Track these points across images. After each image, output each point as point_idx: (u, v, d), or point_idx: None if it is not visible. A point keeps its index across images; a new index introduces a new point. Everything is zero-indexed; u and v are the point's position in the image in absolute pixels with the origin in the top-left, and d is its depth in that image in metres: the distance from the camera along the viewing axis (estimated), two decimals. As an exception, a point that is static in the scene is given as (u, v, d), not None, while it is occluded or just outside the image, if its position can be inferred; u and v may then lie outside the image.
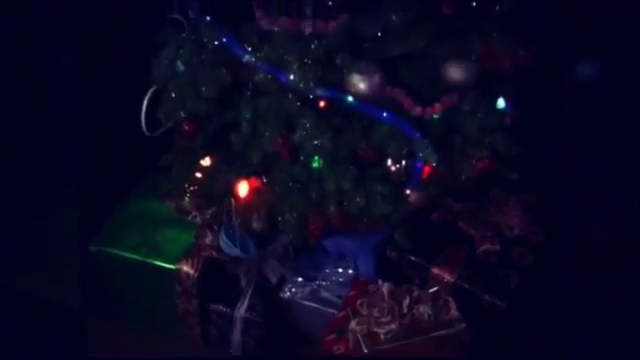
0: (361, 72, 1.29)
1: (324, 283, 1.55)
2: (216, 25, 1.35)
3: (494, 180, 1.58)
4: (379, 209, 1.41)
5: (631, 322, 1.36)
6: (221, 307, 1.56)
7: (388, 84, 1.33)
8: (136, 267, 1.56)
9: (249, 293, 1.54)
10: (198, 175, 1.55)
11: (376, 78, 1.30)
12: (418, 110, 1.36)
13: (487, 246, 1.55)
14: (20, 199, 1.63)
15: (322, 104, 1.38)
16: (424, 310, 1.36)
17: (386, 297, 1.39)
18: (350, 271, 1.56)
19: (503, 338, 1.48)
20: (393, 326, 1.33)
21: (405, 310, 1.36)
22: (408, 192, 1.46)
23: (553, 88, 1.53)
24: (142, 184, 1.75)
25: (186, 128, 1.46)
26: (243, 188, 1.47)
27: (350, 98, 1.33)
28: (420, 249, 1.54)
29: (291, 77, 1.31)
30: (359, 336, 1.34)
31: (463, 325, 1.34)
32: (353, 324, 1.38)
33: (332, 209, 1.43)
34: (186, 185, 1.58)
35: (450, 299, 1.40)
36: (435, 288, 1.43)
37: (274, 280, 1.55)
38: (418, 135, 1.36)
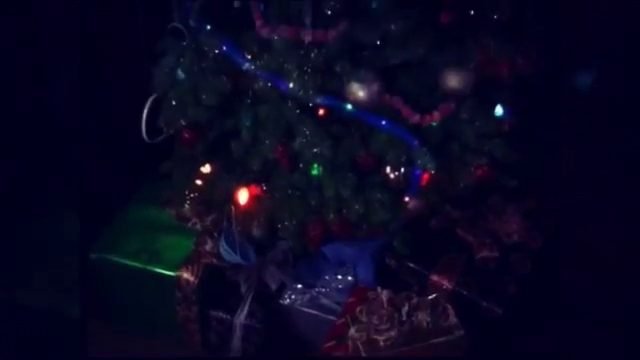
0: (360, 80, 1.30)
1: (323, 290, 1.55)
2: (216, 34, 1.36)
3: (492, 187, 1.58)
4: (378, 216, 1.42)
5: (631, 325, 1.36)
6: (221, 314, 1.56)
7: (387, 92, 1.34)
8: (136, 274, 1.56)
9: (249, 300, 1.54)
10: (198, 182, 1.55)
11: (375, 86, 1.31)
12: (417, 118, 1.36)
13: (485, 253, 1.55)
14: (20, 206, 1.64)
15: (321, 112, 1.38)
16: (423, 317, 1.36)
17: (385, 304, 1.39)
18: (349, 278, 1.57)
19: (501, 345, 1.49)
20: (392, 333, 1.34)
21: (404, 317, 1.37)
22: (407, 199, 1.46)
23: (551, 95, 1.55)
24: (142, 191, 1.75)
25: (186, 135, 1.47)
26: (243, 195, 1.48)
27: (349, 106, 1.34)
28: (419, 256, 1.55)
29: (291, 85, 1.31)
30: (358, 343, 1.35)
31: (462, 332, 1.35)
32: (352, 331, 1.38)
33: (331, 216, 1.43)
34: (186, 192, 1.59)
35: (449, 306, 1.40)
36: (434, 295, 1.44)
37: (274, 287, 1.56)
38: (417, 143, 1.37)
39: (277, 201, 1.47)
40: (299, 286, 1.56)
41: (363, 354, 1.33)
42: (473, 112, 1.42)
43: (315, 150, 1.36)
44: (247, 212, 1.50)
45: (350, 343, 1.37)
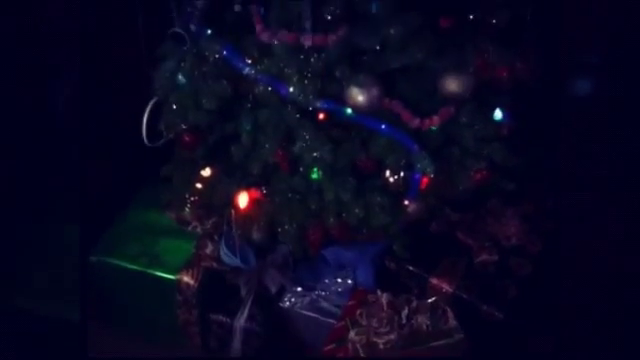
0: (360, 85, 1.30)
1: (323, 293, 1.55)
2: (217, 38, 1.36)
3: (491, 190, 1.59)
4: (378, 220, 1.42)
5: (630, 328, 1.37)
6: (221, 317, 1.56)
7: (387, 96, 1.34)
8: (136, 277, 1.57)
9: (249, 303, 1.54)
10: (198, 186, 1.56)
11: (375, 91, 1.31)
12: (416, 122, 1.37)
13: (485, 256, 1.55)
14: (20, 210, 1.64)
15: (321, 116, 1.39)
16: (422, 320, 1.37)
17: (385, 307, 1.40)
18: (349, 281, 1.57)
19: (501, 348, 1.49)
20: (392, 336, 1.34)
21: (404, 320, 1.37)
22: (406, 203, 1.47)
23: (550, 99, 1.55)
24: (142, 194, 1.76)
25: (187, 139, 1.47)
26: (243, 199, 1.48)
27: (349, 110, 1.35)
28: (419, 259, 1.55)
29: (291, 89, 1.32)
30: (358, 346, 1.35)
31: (461, 335, 1.35)
32: (352, 334, 1.38)
33: (331, 220, 1.44)
34: (187, 196, 1.59)
35: (448, 309, 1.41)
36: (433, 298, 1.45)
37: (274, 290, 1.56)
38: (416, 147, 1.38)
39: (277, 205, 1.47)
40: (299, 289, 1.56)
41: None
42: (472, 116, 1.42)
43: (315, 154, 1.37)
44: (247, 216, 1.51)
45: (350, 346, 1.37)
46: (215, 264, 1.58)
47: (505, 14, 1.38)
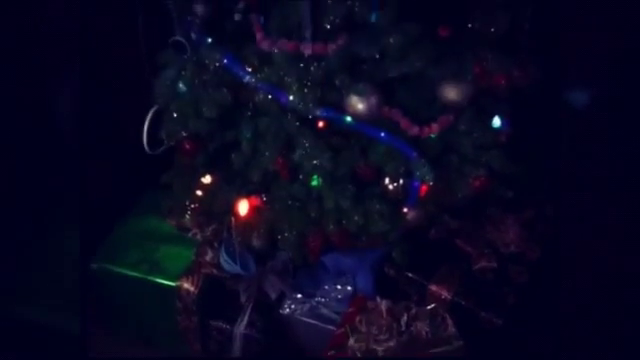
0: (359, 93, 1.31)
1: (323, 300, 1.56)
2: (217, 47, 1.37)
3: (490, 197, 1.60)
4: (377, 227, 1.43)
5: (631, 335, 1.37)
6: (221, 324, 1.57)
7: (386, 104, 1.35)
8: (137, 284, 1.57)
9: (249, 310, 1.55)
10: (199, 193, 1.56)
11: (374, 99, 1.32)
12: (415, 130, 1.38)
13: (484, 263, 1.56)
14: (19, 218, 1.64)
15: (321, 124, 1.40)
16: (422, 327, 1.37)
17: (384, 314, 1.41)
18: (349, 288, 1.57)
19: (500, 355, 1.49)
20: (391, 343, 1.35)
21: (403, 327, 1.38)
22: (406, 210, 1.47)
23: (549, 105, 1.56)
24: (142, 201, 1.76)
25: (187, 147, 1.48)
26: (243, 206, 1.49)
27: (349, 118, 1.35)
28: (418, 266, 1.55)
29: (291, 98, 1.33)
30: (358, 353, 1.36)
31: (460, 342, 1.36)
32: (352, 341, 1.39)
33: (331, 227, 1.44)
34: (187, 203, 1.60)
35: (447, 316, 1.41)
36: (433, 305, 1.45)
37: (273, 296, 1.56)
38: (415, 154, 1.38)
39: (277, 212, 1.48)
40: (299, 296, 1.56)
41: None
42: (471, 124, 1.43)
43: (315, 162, 1.37)
44: (247, 223, 1.51)
45: (349, 353, 1.38)
46: (215, 271, 1.58)
47: (504, 23, 1.39)
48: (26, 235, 1.62)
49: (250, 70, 1.36)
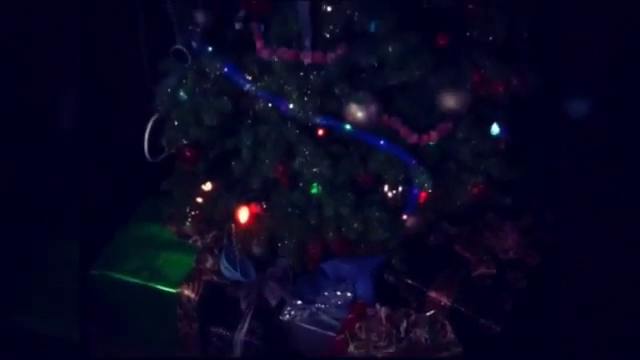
0: (359, 101, 1.32)
1: (323, 306, 1.56)
2: (218, 55, 1.38)
3: (489, 204, 1.60)
4: (377, 234, 1.43)
5: (630, 340, 1.37)
6: (221, 330, 1.58)
7: (385, 113, 1.36)
8: (137, 291, 1.58)
9: (249, 316, 1.55)
10: (199, 200, 1.57)
11: (373, 107, 1.33)
12: (414, 138, 1.38)
13: (483, 270, 1.57)
14: (19, 226, 1.64)
15: (321, 132, 1.41)
16: (421, 334, 1.38)
17: (384, 321, 1.41)
18: (349, 294, 1.58)
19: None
20: (391, 350, 1.35)
21: (402, 334, 1.38)
22: (405, 217, 1.48)
23: (547, 112, 1.56)
24: (143, 208, 1.77)
25: (188, 154, 1.49)
26: (243, 213, 1.50)
27: (348, 126, 1.36)
28: (417, 273, 1.56)
29: (291, 106, 1.33)
30: None
31: (459, 349, 1.36)
32: (351, 348, 1.39)
33: (331, 234, 1.45)
34: (187, 210, 1.60)
35: (447, 322, 1.42)
36: (432, 312, 1.46)
37: (274, 303, 1.57)
38: (414, 162, 1.39)
39: (277, 219, 1.49)
40: (299, 302, 1.57)
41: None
42: (469, 131, 1.44)
43: (315, 169, 1.38)
44: (247, 230, 1.52)
45: None
46: (215, 278, 1.59)
47: (502, 32, 1.40)
48: (26, 242, 1.62)
49: (250, 78, 1.37)
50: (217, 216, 1.56)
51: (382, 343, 1.37)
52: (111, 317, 1.67)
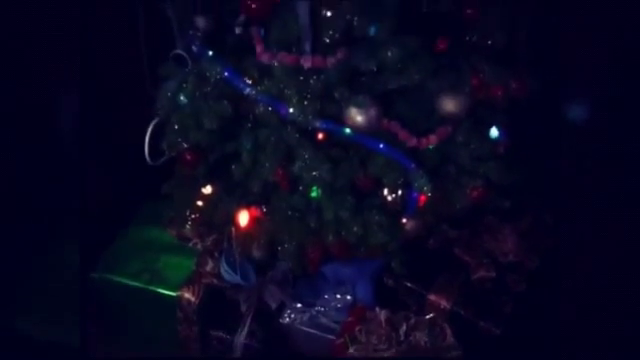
0: (358, 105, 1.32)
1: (323, 309, 1.57)
2: (218, 60, 1.38)
3: (488, 207, 1.61)
4: (376, 238, 1.44)
5: (630, 342, 1.37)
6: (221, 333, 1.58)
7: (384, 116, 1.36)
8: (137, 294, 1.58)
9: (249, 319, 1.56)
10: (199, 203, 1.57)
11: (373, 111, 1.33)
12: (414, 141, 1.39)
13: (482, 273, 1.57)
14: (19, 230, 1.64)
15: (321, 136, 1.41)
16: (420, 337, 1.38)
17: (383, 324, 1.42)
18: (348, 297, 1.58)
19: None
20: (390, 353, 1.36)
21: (402, 337, 1.39)
22: (404, 221, 1.49)
23: (547, 115, 1.57)
24: (143, 211, 1.77)
25: (188, 157, 1.49)
26: (243, 217, 1.50)
27: (348, 130, 1.37)
28: (417, 276, 1.56)
29: (291, 110, 1.34)
30: (357, 363, 1.37)
31: (459, 352, 1.37)
32: (351, 350, 1.40)
33: (330, 238, 1.45)
34: (187, 213, 1.61)
35: (446, 326, 1.42)
36: (431, 315, 1.46)
37: (273, 306, 1.57)
38: (414, 165, 1.40)
39: (277, 223, 1.49)
40: (299, 305, 1.57)
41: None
42: (468, 135, 1.44)
43: (314, 173, 1.38)
44: (247, 233, 1.52)
45: (349, 363, 1.39)
46: (216, 281, 1.59)
47: (501, 36, 1.40)
48: (26, 245, 1.62)
49: (250, 82, 1.37)
50: (217, 219, 1.56)
51: (382, 346, 1.38)
52: (111, 320, 1.67)
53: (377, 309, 1.47)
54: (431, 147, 1.42)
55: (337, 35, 1.29)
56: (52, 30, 1.64)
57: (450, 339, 1.39)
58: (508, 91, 1.45)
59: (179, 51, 1.38)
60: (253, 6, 1.32)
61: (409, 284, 1.57)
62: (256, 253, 1.55)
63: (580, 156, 1.47)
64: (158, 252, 1.65)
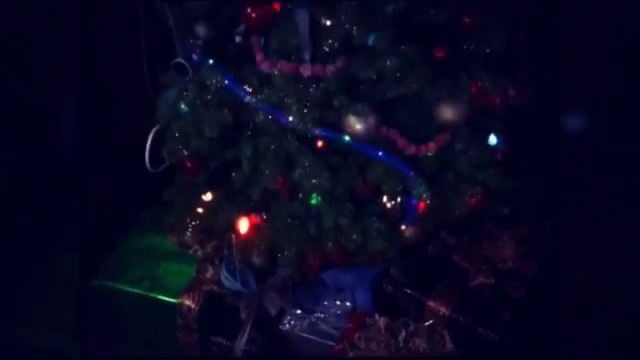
0: (357, 113, 1.33)
1: (322, 315, 1.57)
2: (218, 68, 1.39)
3: (487, 214, 1.61)
4: (376, 245, 1.44)
5: (630, 350, 1.37)
6: (221, 340, 1.58)
7: (383, 124, 1.37)
8: (138, 301, 1.59)
9: (249, 326, 1.56)
10: (200, 210, 1.58)
11: (372, 119, 1.34)
12: (412, 149, 1.40)
13: (481, 279, 1.58)
14: (19, 237, 1.64)
15: (320, 144, 1.42)
16: (420, 343, 1.39)
17: (383, 331, 1.42)
18: (348, 304, 1.58)
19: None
20: (390, 360, 1.36)
21: (401, 344, 1.39)
22: (403, 228, 1.49)
23: (546, 121, 1.57)
24: (143, 218, 1.78)
25: (188, 165, 1.50)
26: (244, 224, 1.51)
27: (347, 138, 1.37)
28: (416, 282, 1.57)
29: (290, 118, 1.35)
30: (357, 369, 1.37)
31: (458, 358, 1.37)
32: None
33: (330, 245, 1.46)
34: (188, 220, 1.62)
35: (445, 332, 1.43)
36: (431, 321, 1.46)
37: (273, 312, 1.58)
38: (412, 173, 1.40)
39: (277, 230, 1.50)
40: (298, 312, 1.58)
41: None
42: (467, 142, 1.45)
43: (314, 181, 1.39)
44: (247, 240, 1.53)
45: (349, 369, 1.39)
46: (216, 288, 1.60)
47: (499, 44, 1.41)
48: (26, 252, 1.63)
49: (250, 91, 1.38)
50: (217, 226, 1.57)
51: (381, 353, 1.38)
52: (112, 327, 1.68)
53: (376, 315, 1.47)
54: (430, 154, 1.42)
55: (336, 44, 1.30)
56: (52, 37, 1.65)
57: (449, 345, 1.40)
58: (506, 98, 1.46)
59: (180, 60, 1.39)
60: (253, 15, 1.33)
61: (408, 291, 1.57)
62: (256, 260, 1.56)
63: (578, 163, 1.47)
64: (158, 259, 1.65)
